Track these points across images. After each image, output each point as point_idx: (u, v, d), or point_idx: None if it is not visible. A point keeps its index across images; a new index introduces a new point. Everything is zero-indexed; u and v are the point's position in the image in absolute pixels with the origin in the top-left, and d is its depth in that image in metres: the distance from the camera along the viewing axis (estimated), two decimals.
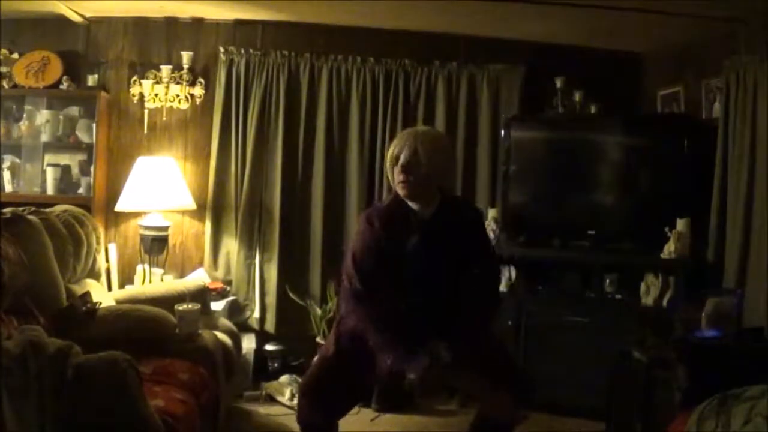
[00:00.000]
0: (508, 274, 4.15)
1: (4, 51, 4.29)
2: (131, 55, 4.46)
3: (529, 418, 2.87)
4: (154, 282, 4.12)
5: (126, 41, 4.47)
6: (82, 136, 4.31)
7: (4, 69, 4.27)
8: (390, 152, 2.53)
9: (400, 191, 2.51)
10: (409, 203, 2.53)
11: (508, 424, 2.60)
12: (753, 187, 3.51)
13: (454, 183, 4.38)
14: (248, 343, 4.16)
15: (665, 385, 2.88)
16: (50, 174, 4.24)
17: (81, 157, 4.37)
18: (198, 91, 4.45)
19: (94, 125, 4.28)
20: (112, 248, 4.30)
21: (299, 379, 4.17)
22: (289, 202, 4.48)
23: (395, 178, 2.51)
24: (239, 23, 4.49)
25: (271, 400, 4.00)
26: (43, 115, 4.27)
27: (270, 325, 4.48)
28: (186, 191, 4.32)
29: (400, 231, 2.50)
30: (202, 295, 3.65)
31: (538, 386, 3.85)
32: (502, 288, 4.14)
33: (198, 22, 4.49)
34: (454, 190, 4.23)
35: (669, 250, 3.83)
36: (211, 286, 4.09)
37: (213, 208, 4.46)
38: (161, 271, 4.23)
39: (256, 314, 4.51)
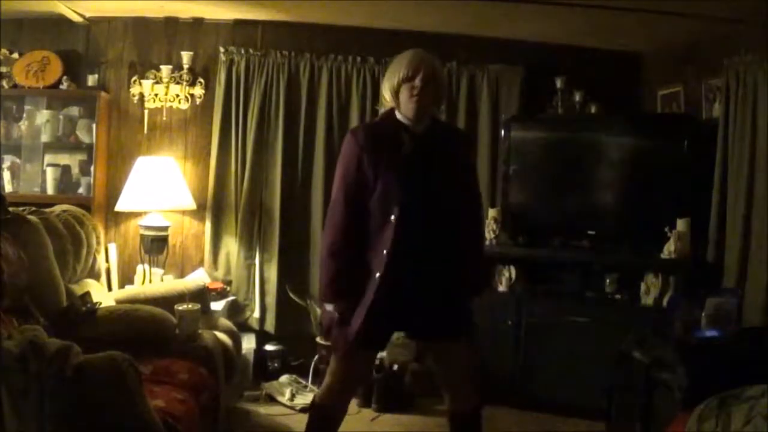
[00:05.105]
0: (508, 274, 4.16)
1: (4, 51, 4.29)
2: (131, 55, 4.47)
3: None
4: (154, 282, 4.11)
5: (126, 41, 4.47)
6: (82, 136, 4.31)
7: (4, 69, 4.27)
8: (398, 74, 2.46)
9: (414, 104, 2.44)
10: (402, 119, 2.50)
11: (478, 408, 2.65)
12: (753, 187, 3.51)
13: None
14: (248, 343, 4.16)
15: (665, 385, 2.88)
16: (50, 174, 4.25)
17: (81, 157, 4.37)
18: (198, 91, 4.45)
19: (94, 125, 4.28)
20: (112, 248, 4.30)
21: (299, 379, 4.18)
22: (289, 202, 4.48)
23: (406, 93, 2.45)
24: (239, 23, 4.49)
25: (271, 400, 4.00)
26: (43, 115, 4.27)
27: (270, 325, 4.48)
28: (186, 191, 4.32)
29: (389, 144, 2.47)
30: (202, 295, 3.64)
31: (538, 386, 3.94)
32: (503, 288, 4.16)
33: (198, 22, 4.49)
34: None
35: (669, 250, 3.83)
36: (211, 286, 4.08)
37: (213, 208, 4.46)
38: (161, 271, 4.23)
39: (256, 314, 4.51)
